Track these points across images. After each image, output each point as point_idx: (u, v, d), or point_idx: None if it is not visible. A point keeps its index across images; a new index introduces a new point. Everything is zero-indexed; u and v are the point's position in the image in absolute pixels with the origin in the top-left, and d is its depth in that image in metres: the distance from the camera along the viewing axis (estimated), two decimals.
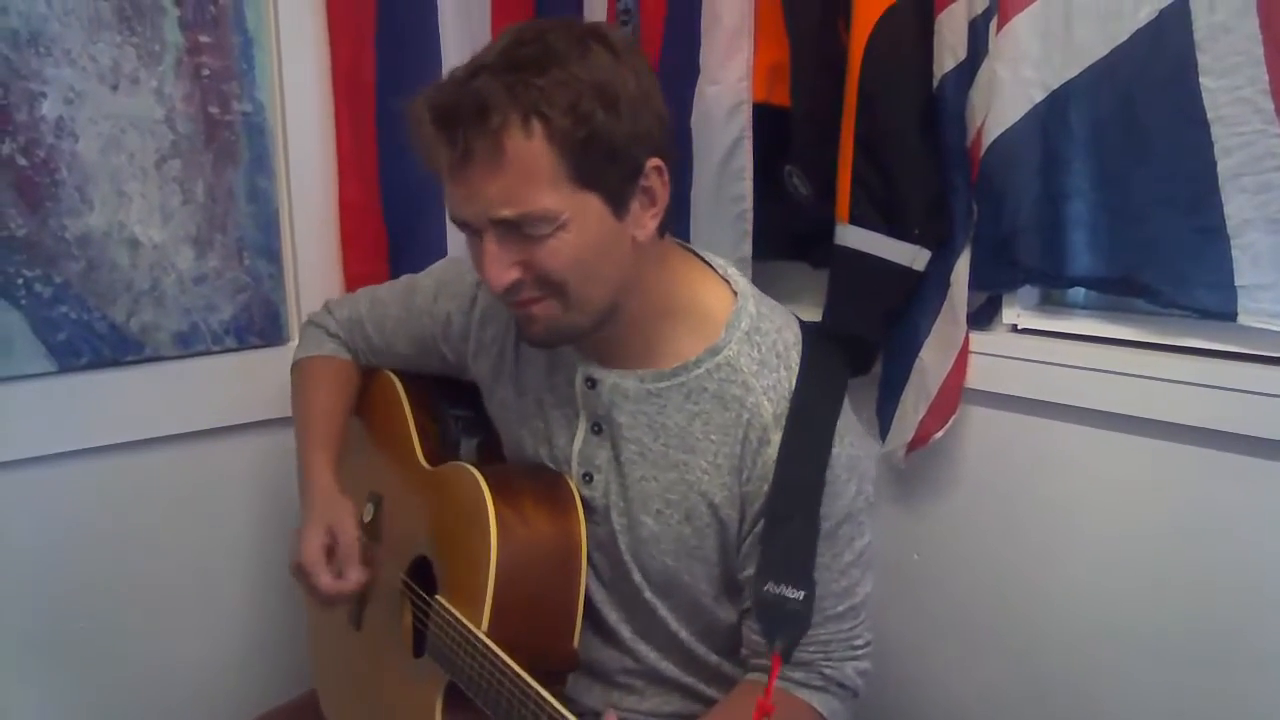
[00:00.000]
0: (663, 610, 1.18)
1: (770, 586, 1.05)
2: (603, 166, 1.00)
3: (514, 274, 1.02)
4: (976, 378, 1.42)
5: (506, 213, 0.99)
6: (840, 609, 1.13)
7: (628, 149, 1.01)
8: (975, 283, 1.40)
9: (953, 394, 1.42)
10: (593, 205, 1.01)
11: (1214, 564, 1.26)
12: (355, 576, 1.21)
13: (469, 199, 1.01)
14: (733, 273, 1.17)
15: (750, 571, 1.11)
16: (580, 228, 1.01)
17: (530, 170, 0.98)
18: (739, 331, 1.11)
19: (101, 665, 1.58)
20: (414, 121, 1.01)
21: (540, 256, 1.01)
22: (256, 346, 1.66)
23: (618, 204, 1.03)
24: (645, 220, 1.06)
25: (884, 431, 1.50)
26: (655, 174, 1.04)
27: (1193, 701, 1.29)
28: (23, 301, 1.44)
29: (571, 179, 0.99)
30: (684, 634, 1.19)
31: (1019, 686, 1.46)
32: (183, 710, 1.66)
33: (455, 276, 1.31)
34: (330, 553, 1.22)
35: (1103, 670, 1.37)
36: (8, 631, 1.50)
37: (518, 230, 1.00)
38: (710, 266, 1.17)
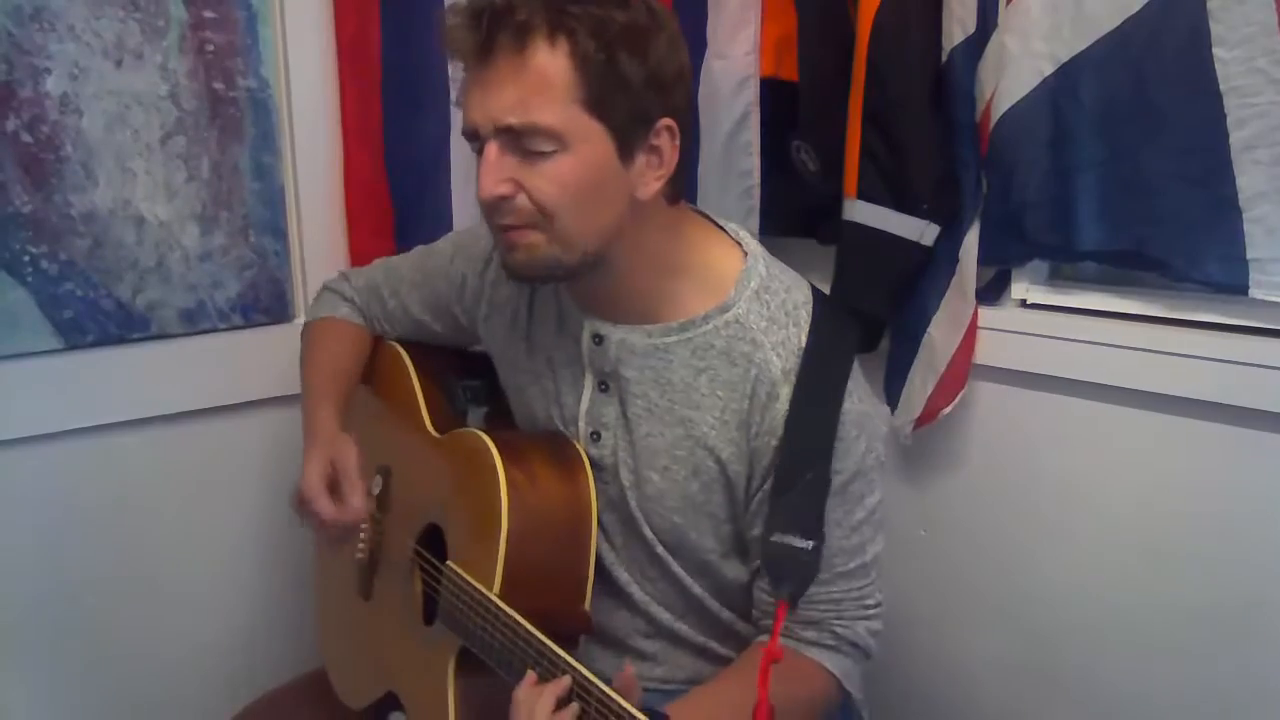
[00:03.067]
0: (674, 566, 1.18)
1: (778, 536, 1.07)
2: (616, 98, 1.01)
3: (506, 188, 1.02)
4: (985, 353, 1.42)
5: (513, 120, 1.00)
6: (851, 566, 1.13)
7: (643, 91, 1.02)
8: (984, 257, 1.40)
9: (961, 369, 1.42)
10: (599, 136, 1.02)
11: (1224, 538, 1.25)
12: (356, 503, 1.20)
13: (483, 101, 1.02)
14: (745, 236, 1.17)
15: (759, 530, 1.12)
16: (581, 155, 1.01)
17: (546, 81, 0.99)
18: (748, 290, 1.12)
19: (108, 642, 1.58)
20: (449, 13, 1.03)
21: (536, 179, 1.02)
22: (262, 324, 1.65)
23: (624, 146, 1.03)
24: (649, 179, 1.06)
25: (892, 407, 1.50)
26: (666, 133, 1.05)
27: (1201, 676, 1.29)
28: (29, 279, 1.43)
29: (584, 102, 1.00)
30: (696, 589, 1.19)
31: (1026, 661, 1.46)
32: (191, 687, 1.66)
33: (471, 240, 1.32)
34: (332, 484, 1.22)
35: (1110, 644, 1.37)
36: (14, 608, 1.50)
37: (520, 146, 1.01)
38: (724, 230, 1.18)
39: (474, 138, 1.05)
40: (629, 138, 1.03)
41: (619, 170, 1.04)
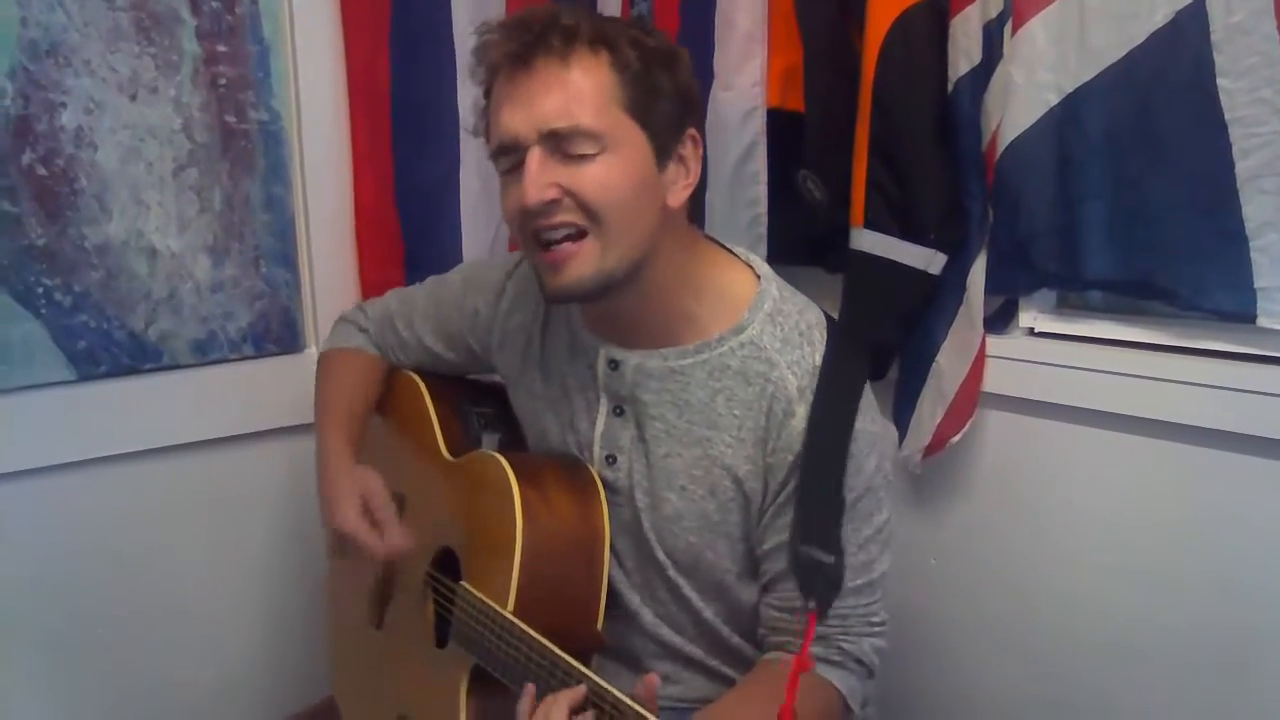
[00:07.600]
0: (686, 589, 1.19)
1: (804, 548, 1.09)
2: (653, 105, 1.07)
3: (553, 192, 1.04)
4: (993, 381, 1.42)
5: (559, 124, 1.03)
6: (858, 583, 1.14)
7: (675, 102, 1.08)
8: (991, 286, 1.40)
9: (969, 398, 1.42)
10: (638, 140, 1.06)
11: (1233, 567, 1.25)
12: (398, 535, 1.23)
13: (526, 109, 1.04)
14: (755, 259, 1.19)
15: (769, 545, 1.14)
16: (622, 158, 1.05)
17: (590, 85, 1.04)
18: (761, 312, 1.14)
19: (120, 671, 1.59)
20: (483, 28, 1.08)
21: (581, 180, 1.04)
22: (273, 354, 1.66)
23: (660, 151, 1.07)
24: (679, 188, 1.10)
25: (901, 436, 1.49)
26: (691, 143, 1.11)
27: (1212, 702, 1.28)
28: (43, 310, 1.45)
29: (624, 106, 1.05)
30: (708, 613, 1.20)
31: (1037, 689, 1.45)
32: (205, 715, 1.66)
33: (482, 272, 1.35)
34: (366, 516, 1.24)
35: (1122, 673, 1.36)
36: (27, 637, 1.51)
37: (562, 151, 1.04)
38: (733, 254, 1.20)
39: (512, 149, 1.06)
40: (663, 143, 1.08)
41: (656, 174, 1.08)
